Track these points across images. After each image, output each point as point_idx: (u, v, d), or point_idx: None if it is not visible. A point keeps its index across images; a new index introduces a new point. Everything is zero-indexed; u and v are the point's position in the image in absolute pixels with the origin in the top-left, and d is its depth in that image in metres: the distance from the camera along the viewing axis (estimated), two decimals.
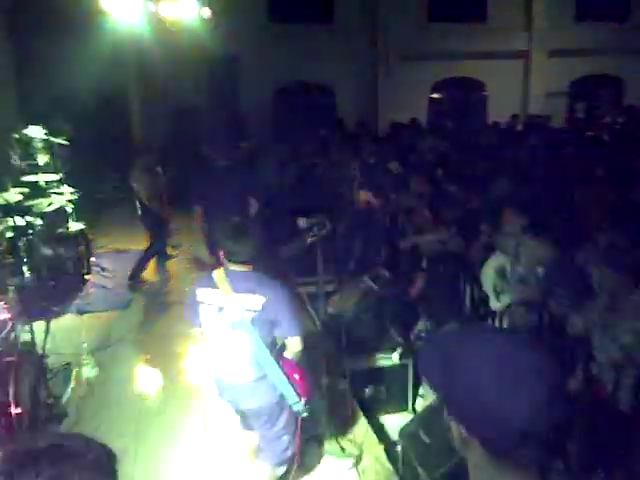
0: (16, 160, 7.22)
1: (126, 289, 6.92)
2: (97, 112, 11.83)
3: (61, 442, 1.13)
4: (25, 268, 6.14)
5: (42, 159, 7.28)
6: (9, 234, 6.05)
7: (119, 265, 7.57)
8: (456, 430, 1.09)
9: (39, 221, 6.53)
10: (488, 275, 4.57)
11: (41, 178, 7.08)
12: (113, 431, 3.95)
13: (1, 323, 3.89)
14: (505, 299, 4.43)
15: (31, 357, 4.03)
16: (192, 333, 3.23)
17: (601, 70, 15.28)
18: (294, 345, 2.99)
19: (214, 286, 2.95)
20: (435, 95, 15.27)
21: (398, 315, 5.20)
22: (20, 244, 6.13)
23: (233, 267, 2.97)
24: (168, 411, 4.41)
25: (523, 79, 15.12)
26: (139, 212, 7.02)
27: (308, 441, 3.66)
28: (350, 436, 4.05)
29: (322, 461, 3.82)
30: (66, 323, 5.90)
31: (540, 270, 4.22)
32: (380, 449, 3.96)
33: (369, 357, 4.69)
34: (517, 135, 10.67)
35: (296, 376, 3.03)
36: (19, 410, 3.56)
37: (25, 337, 4.20)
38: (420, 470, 3.54)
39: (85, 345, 5.41)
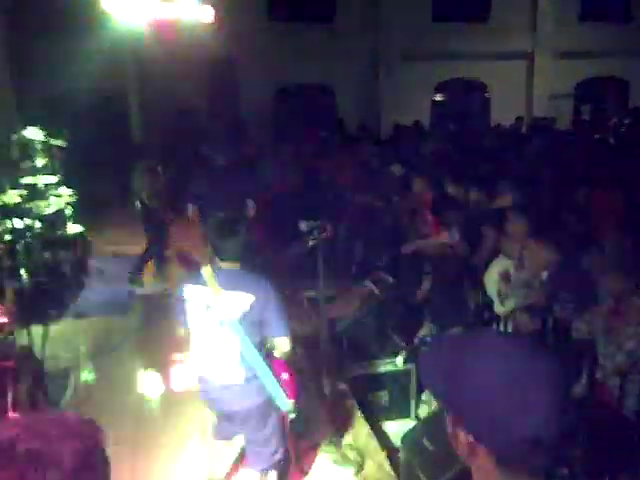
0: (15, 162, 7.20)
1: (125, 293, 6.85)
2: (97, 112, 11.79)
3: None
4: (23, 271, 6.09)
5: (41, 161, 7.25)
6: (7, 237, 6.02)
7: (118, 268, 7.50)
8: (461, 437, 1.05)
9: (38, 224, 6.49)
10: (492, 279, 4.53)
11: (40, 180, 7.04)
12: (111, 436, 3.88)
13: None
14: (509, 303, 4.38)
15: (29, 361, 4.00)
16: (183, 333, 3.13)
17: (607, 72, 15.22)
18: (283, 345, 2.93)
19: (203, 284, 2.88)
20: (438, 97, 15.20)
21: (400, 319, 5.15)
22: (18, 247, 6.10)
23: (222, 264, 2.92)
24: (167, 417, 4.36)
25: (527, 80, 15.04)
26: (139, 213, 6.98)
27: (309, 448, 3.61)
28: (352, 443, 3.99)
29: (323, 468, 3.76)
30: (64, 327, 5.85)
31: (544, 274, 4.18)
32: (382, 456, 3.90)
33: (371, 362, 4.63)
34: (522, 138, 10.62)
35: (285, 376, 2.97)
36: (17, 415, 3.50)
37: (23, 341, 4.16)
38: (423, 478, 3.49)
39: (83, 349, 5.36)
